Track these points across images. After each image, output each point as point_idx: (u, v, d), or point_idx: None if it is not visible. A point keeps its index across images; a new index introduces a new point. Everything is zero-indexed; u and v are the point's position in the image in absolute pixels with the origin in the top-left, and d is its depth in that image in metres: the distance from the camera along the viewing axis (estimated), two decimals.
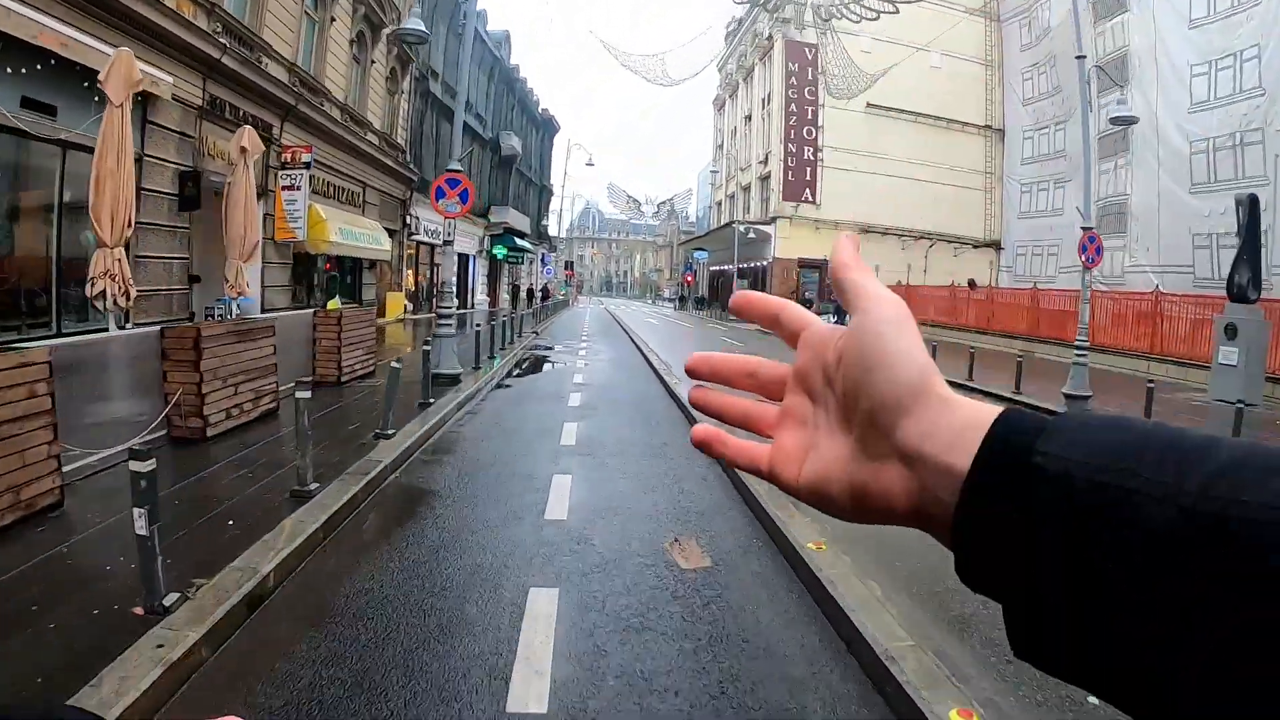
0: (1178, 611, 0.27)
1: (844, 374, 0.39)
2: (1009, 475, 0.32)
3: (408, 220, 24.12)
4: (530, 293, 39.42)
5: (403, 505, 5.24)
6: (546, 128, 49.41)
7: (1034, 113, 37.87)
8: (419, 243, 26.62)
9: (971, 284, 29.47)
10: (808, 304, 32.95)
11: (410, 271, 25.90)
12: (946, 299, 30.59)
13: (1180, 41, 26.82)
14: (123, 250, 7.85)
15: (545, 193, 49.05)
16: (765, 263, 38.21)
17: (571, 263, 60.79)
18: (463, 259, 32.08)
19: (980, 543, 0.33)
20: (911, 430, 0.36)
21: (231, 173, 10.40)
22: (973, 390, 14.41)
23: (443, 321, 10.25)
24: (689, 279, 55.22)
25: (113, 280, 7.96)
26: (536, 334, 22.68)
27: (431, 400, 8.43)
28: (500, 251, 35.10)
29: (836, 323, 0.44)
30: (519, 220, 37.21)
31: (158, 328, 7.06)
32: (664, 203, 49.29)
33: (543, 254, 49.51)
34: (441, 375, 9.66)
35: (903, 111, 39.37)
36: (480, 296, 34.55)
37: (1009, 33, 39.81)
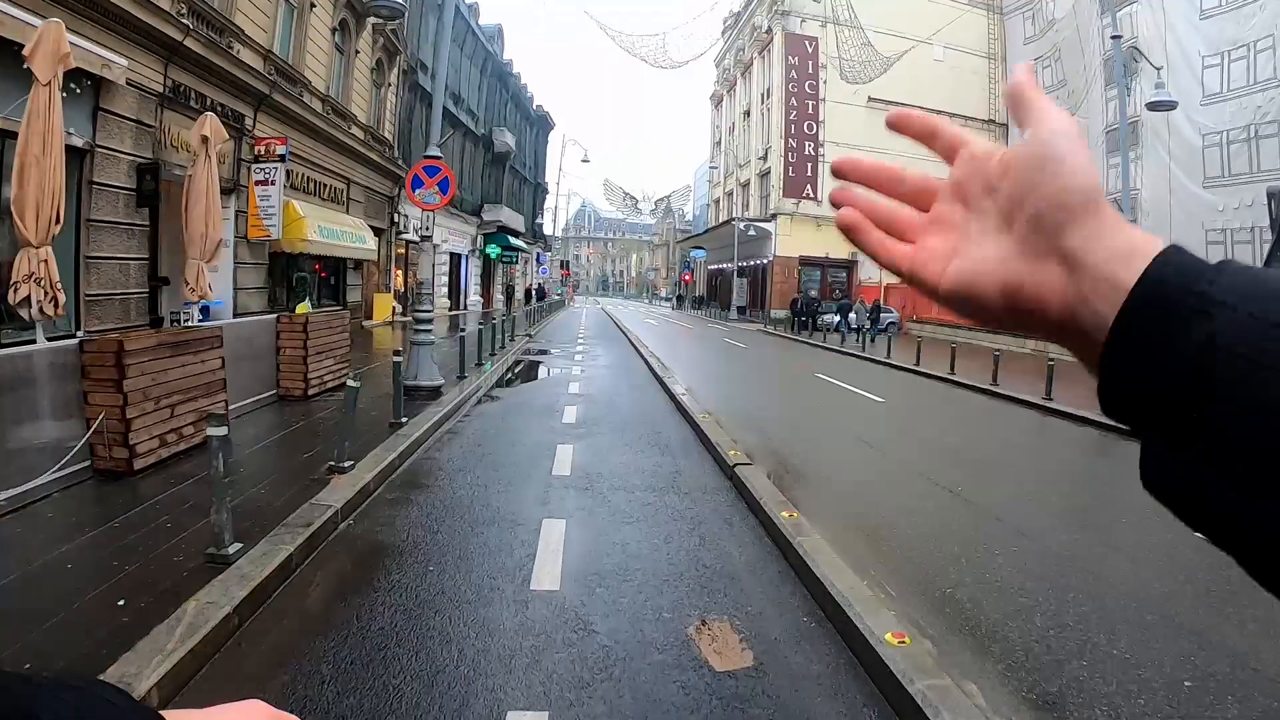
0: None
1: (1015, 177, 0.39)
2: (1176, 298, 0.31)
3: (396, 218, 23.05)
4: (528, 292, 38.40)
5: (350, 569, 4.13)
6: (541, 124, 48.34)
7: None
8: (409, 242, 25.55)
9: None
10: (812, 302, 31.74)
11: (399, 271, 24.84)
12: None
13: (1190, 32, 26.06)
14: (49, 250, 6.83)
15: (540, 191, 47.92)
16: (766, 260, 37.20)
17: (567, 262, 59.41)
18: (455, 259, 30.99)
19: (1133, 366, 0.32)
20: (1080, 235, 0.35)
21: (192, 164, 9.37)
22: (998, 396, 13.59)
23: (420, 328, 9.18)
24: (687, 278, 54.16)
25: (38, 285, 6.94)
26: (530, 336, 21.62)
27: (405, 419, 7.36)
28: (493, 251, 34.01)
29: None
30: (513, 219, 36.14)
31: (77, 340, 6.01)
32: (661, 200, 47.57)
33: (538, 253, 48.51)
34: (419, 389, 8.60)
35: (905, 106, 38.25)
36: (473, 297, 33.48)
37: (1012, 26, 39.06)
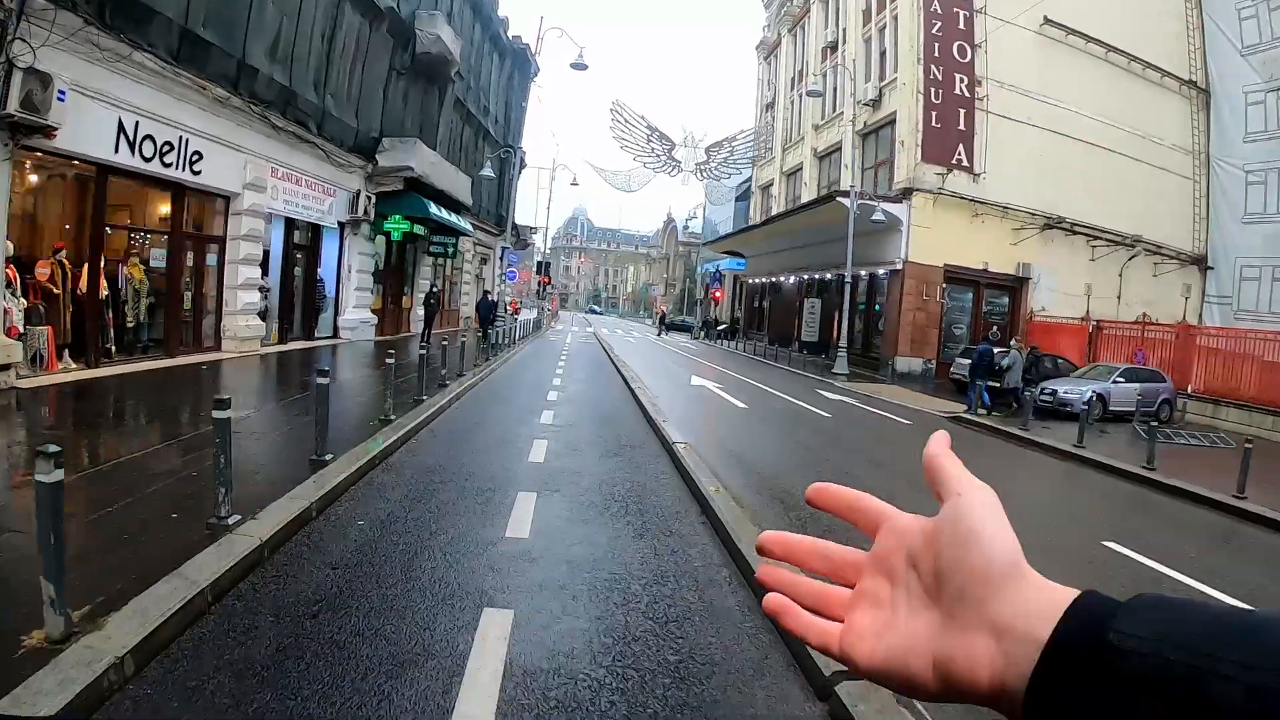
0: None
1: (938, 552, 0.40)
2: (1084, 649, 0.33)
3: (12, 89, 7.24)
4: (490, 309, 21.82)
5: None
6: (518, 62, 32.81)
7: (1265, 65, 22.93)
8: (105, 166, 9.78)
9: None
10: (973, 345, 13.76)
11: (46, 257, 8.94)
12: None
13: None
14: None
15: (510, 158, 31.65)
16: (886, 269, 21.71)
17: (545, 264, 43.09)
18: (307, 234, 15.24)
19: (1051, 714, 0.34)
20: (1004, 604, 0.37)
21: None
22: None
23: None
24: (718, 295, 38.50)
25: None
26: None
27: None
28: (397, 228, 18.15)
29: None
30: (443, 174, 20.36)
31: None
32: (716, 146, 30.42)
33: (503, 249, 32.69)
34: None
35: (1085, 37, 23.38)
36: (354, 313, 17.55)
37: None
